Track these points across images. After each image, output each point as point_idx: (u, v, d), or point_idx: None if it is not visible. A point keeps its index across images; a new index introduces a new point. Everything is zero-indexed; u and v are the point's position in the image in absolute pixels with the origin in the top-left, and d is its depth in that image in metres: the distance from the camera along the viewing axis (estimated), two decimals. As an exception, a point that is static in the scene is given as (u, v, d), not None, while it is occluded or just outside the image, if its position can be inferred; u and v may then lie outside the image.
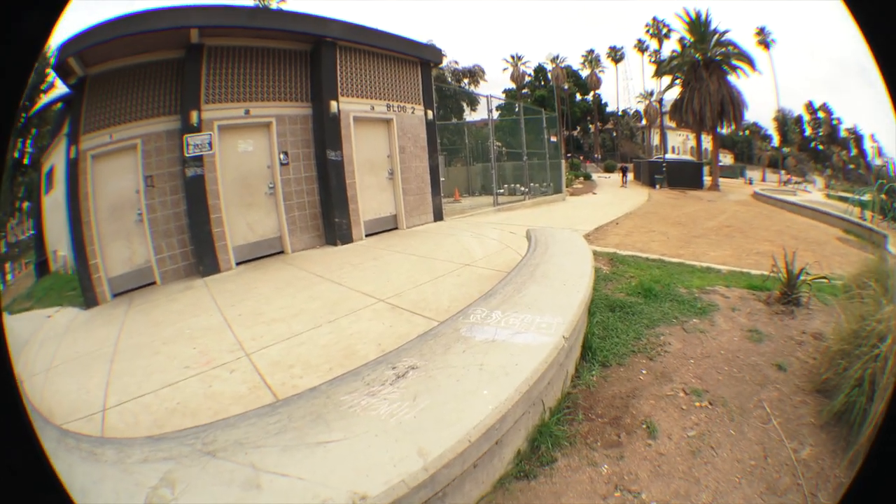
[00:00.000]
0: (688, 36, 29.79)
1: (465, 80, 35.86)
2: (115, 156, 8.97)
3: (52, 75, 11.38)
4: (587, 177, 30.70)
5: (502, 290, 4.54)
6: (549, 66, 52.57)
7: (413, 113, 12.67)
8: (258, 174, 10.20)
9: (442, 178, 14.67)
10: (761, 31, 42.12)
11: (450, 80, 33.61)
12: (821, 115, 45.75)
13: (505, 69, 53.61)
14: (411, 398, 2.69)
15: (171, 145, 9.21)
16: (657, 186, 24.91)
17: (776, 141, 46.91)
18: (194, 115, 9.20)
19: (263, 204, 10.23)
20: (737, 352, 4.16)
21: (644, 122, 51.82)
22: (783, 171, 38.21)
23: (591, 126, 53.62)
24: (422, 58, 12.94)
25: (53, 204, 9.54)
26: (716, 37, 28.66)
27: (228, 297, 7.07)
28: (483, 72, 39.48)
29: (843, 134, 44.30)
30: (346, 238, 10.76)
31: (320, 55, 10.61)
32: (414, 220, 12.68)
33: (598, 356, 4.07)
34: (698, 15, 29.09)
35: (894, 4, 1.29)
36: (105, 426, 3.51)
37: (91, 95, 8.95)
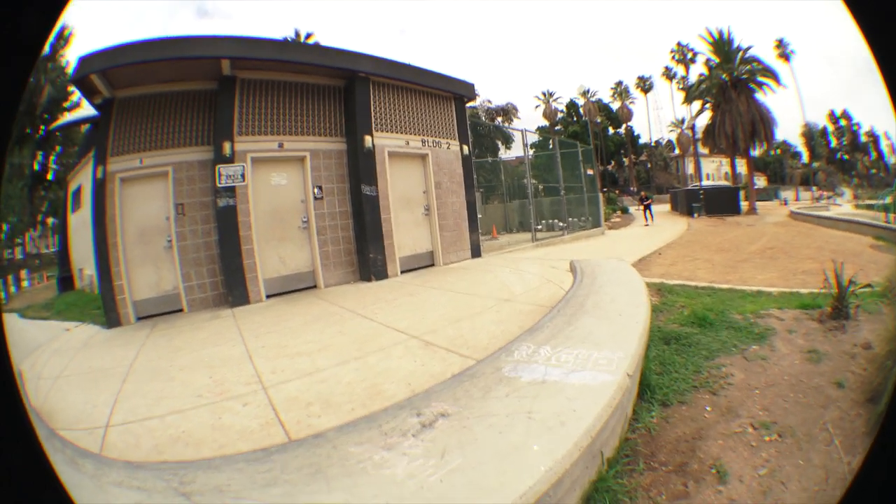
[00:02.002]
0: (713, 57, 30.41)
1: (499, 118, 35.98)
2: (144, 181, 9.08)
3: (75, 93, 11.65)
4: (624, 210, 30.38)
5: (550, 324, 4.05)
6: (580, 101, 52.44)
7: (448, 148, 12.43)
8: (291, 208, 10.05)
9: (479, 215, 14.30)
10: (780, 44, 41.63)
11: (483, 118, 33.77)
12: (842, 122, 45.15)
13: (537, 106, 53.73)
14: (439, 454, 2.16)
15: (203, 175, 9.26)
16: (695, 215, 24.32)
17: (805, 157, 46.27)
18: (227, 146, 9.18)
19: (296, 238, 10.03)
20: (799, 375, 3.84)
21: (677, 151, 51.33)
22: (815, 188, 37.69)
23: (625, 159, 53.15)
24: (455, 93, 12.78)
25: (80, 223, 9.84)
26: (740, 54, 29.05)
27: (254, 329, 6.83)
28: (516, 109, 39.67)
29: (862, 139, 43.47)
30: (381, 274, 10.39)
31: (354, 90, 10.53)
32: (451, 256, 12.25)
33: (658, 394, 3.56)
34: (720, 34, 29.56)
35: (894, 4, 1.26)
36: (105, 442, 3.42)
37: (119, 118, 9.11)
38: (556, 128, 49.93)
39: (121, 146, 9.01)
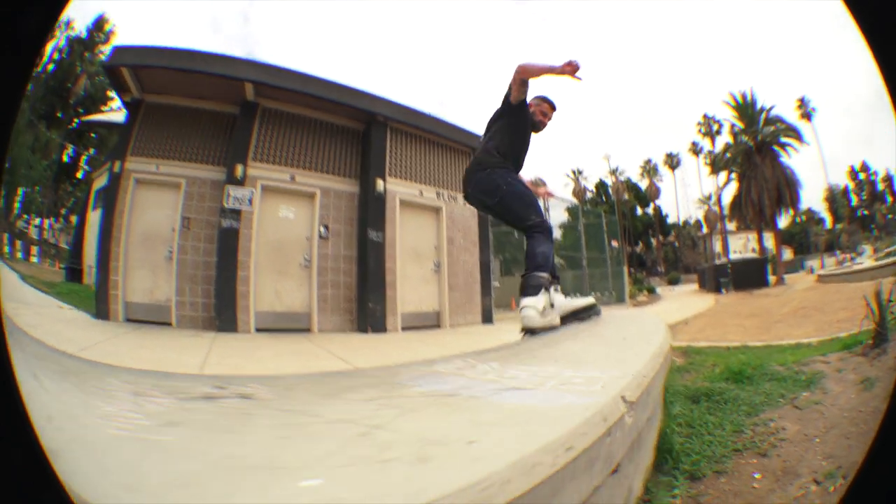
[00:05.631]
0: (738, 122, 30.99)
1: None
2: (157, 187, 9.22)
3: (115, 100, 12.85)
4: (651, 290, 29.74)
5: (513, 347, 3.24)
6: (609, 181, 52.60)
7: (465, 204, 11.85)
8: (295, 243, 9.77)
9: (496, 284, 13.50)
10: (802, 103, 42.12)
11: None
12: (861, 176, 45.76)
13: (566, 184, 53.82)
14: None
15: (213, 194, 9.26)
16: (723, 290, 23.46)
17: (829, 222, 46.61)
18: (239, 169, 9.15)
19: (296, 275, 9.67)
20: (858, 408, 3.22)
21: (705, 229, 51.19)
22: (838, 252, 37.54)
23: (653, 240, 52.88)
24: (475, 148, 12.31)
25: (98, 221, 9.93)
26: (763, 115, 29.45)
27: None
28: (544, 183, 39.83)
29: (879, 186, 44.00)
30: (379, 327, 9.71)
31: (370, 132, 10.46)
32: (459, 318, 11.45)
33: (685, 463, 2.67)
34: (744, 96, 30.50)
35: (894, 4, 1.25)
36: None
37: (145, 120, 9.43)
38: (586, 207, 50.71)
39: (141, 147, 9.24)
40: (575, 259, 18.03)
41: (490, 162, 4.15)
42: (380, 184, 10.14)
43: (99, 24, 19.22)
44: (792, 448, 2.80)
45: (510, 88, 4.04)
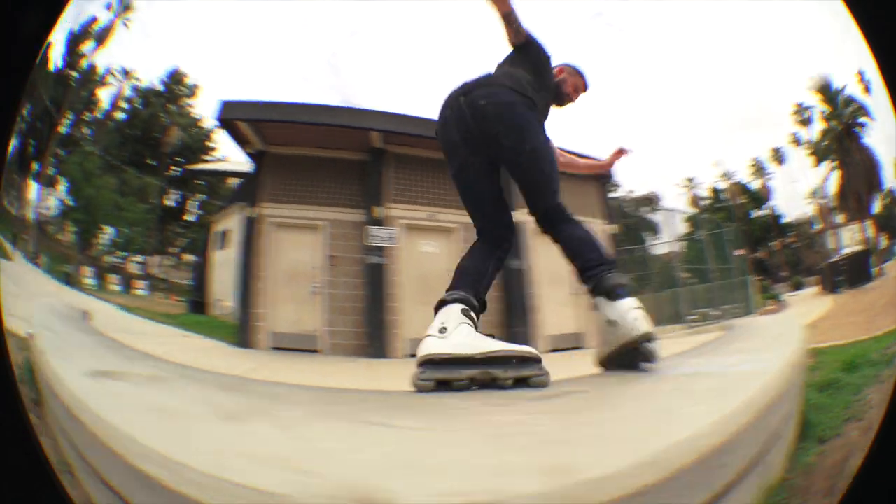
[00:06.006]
0: (824, 107, 28.15)
1: (645, 208, 35.25)
2: (296, 229, 9.91)
3: (215, 150, 14.64)
4: (776, 297, 28.70)
5: (692, 351, 4.15)
6: (721, 185, 50.51)
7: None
8: (439, 276, 10.08)
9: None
10: (861, 77, 38.10)
11: (628, 208, 33.37)
12: None
13: (680, 194, 52.04)
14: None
15: (356, 234, 9.95)
16: (839, 290, 22.45)
17: None
18: (377, 210, 9.90)
19: None
20: None
21: (818, 225, 47.60)
22: None
23: (773, 244, 49.95)
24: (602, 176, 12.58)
25: (225, 259, 10.92)
26: (840, 96, 27.22)
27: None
28: (659, 197, 38.68)
29: None
30: None
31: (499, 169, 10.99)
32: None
33: (816, 432, 3.82)
34: (823, 78, 27.57)
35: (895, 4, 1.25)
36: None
37: (272, 170, 10.18)
38: (703, 214, 48.57)
39: (273, 194, 9.99)
40: (700, 272, 17.96)
41: (526, 90, 2.47)
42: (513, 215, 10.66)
43: (176, 78, 19.47)
44: (874, 411, 3.83)
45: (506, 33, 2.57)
